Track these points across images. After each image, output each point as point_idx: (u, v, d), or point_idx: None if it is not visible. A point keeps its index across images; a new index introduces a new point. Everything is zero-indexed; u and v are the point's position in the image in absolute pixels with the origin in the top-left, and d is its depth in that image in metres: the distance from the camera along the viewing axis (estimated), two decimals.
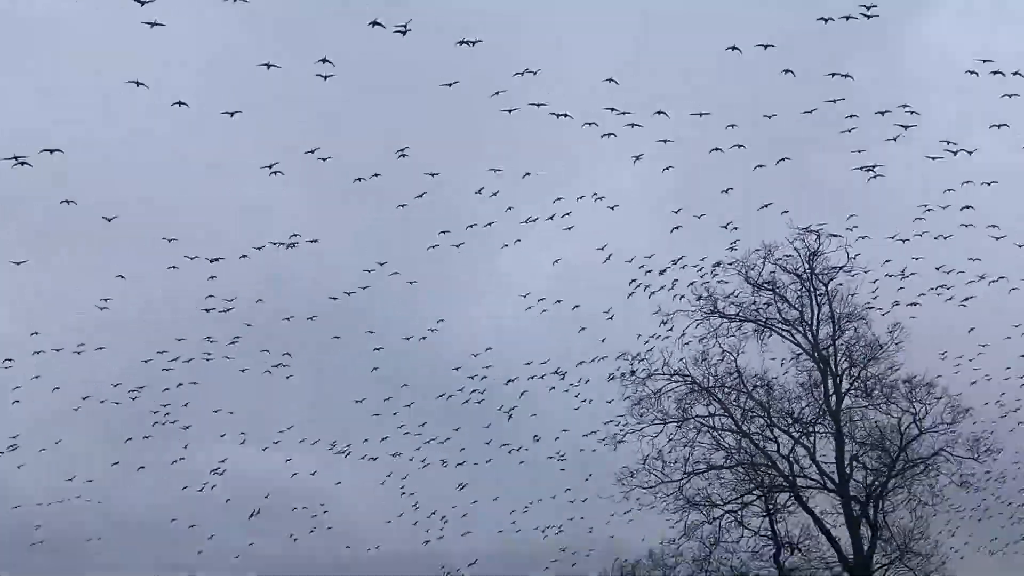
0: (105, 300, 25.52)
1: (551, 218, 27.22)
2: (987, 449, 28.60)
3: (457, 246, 27.18)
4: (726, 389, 29.67)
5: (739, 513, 28.79)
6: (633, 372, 29.56)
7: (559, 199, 26.53)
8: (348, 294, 27.61)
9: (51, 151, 20.18)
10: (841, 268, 29.40)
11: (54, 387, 28.05)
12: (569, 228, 27.54)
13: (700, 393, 29.55)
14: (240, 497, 31.98)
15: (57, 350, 26.83)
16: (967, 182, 25.08)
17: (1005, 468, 29.91)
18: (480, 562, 31.71)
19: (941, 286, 28.23)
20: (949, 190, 25.51)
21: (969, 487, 28.86)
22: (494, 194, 25.29)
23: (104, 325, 27.71)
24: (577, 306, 29.38)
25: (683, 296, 29.75)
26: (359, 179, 24.25)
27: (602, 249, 28.38)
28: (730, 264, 29.60)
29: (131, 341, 29.19)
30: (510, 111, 22.18)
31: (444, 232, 26.77)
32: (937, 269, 28.08)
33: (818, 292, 29.80)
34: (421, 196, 25.13)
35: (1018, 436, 30.15)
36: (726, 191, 26.93)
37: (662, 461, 29.00)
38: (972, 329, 29.49)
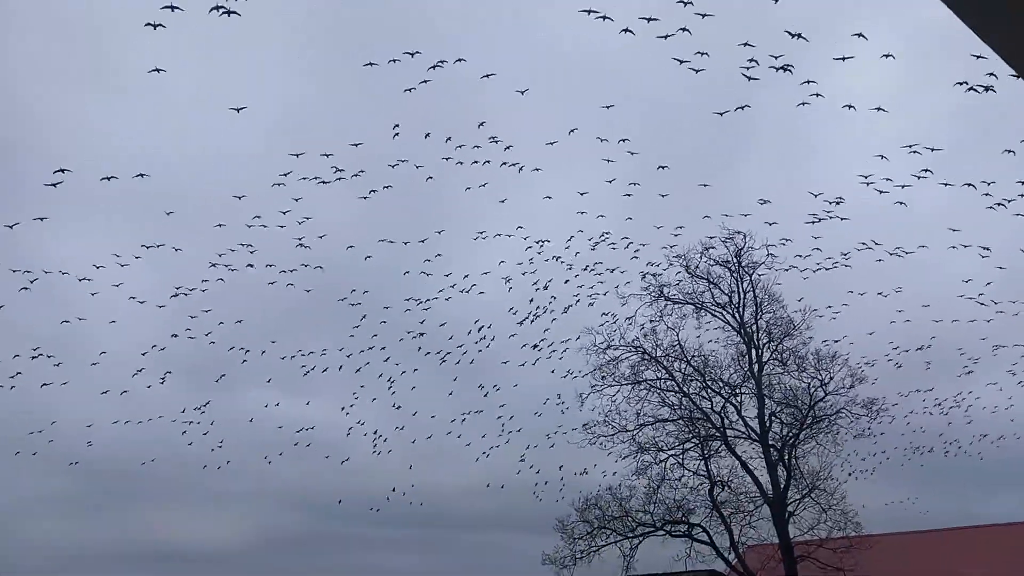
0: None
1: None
2: (878, 409, 34.82)
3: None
4: (670, 358, 35.40)
5: (680, 457, 34.27)
6: (596, 344, 35.91)
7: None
8: None
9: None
10: (761, 263, 35.48)
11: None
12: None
13: (649, 361, 35.24)
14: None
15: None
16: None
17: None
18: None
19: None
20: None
21: (863, 437, 34.96)
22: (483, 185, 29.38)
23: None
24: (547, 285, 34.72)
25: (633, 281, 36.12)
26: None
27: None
28: (675, 257, 36.31)
29: None
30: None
31: None
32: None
33: (744, 282, 35.78)
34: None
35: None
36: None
37: (619, 415, 35.27)
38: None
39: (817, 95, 22.93)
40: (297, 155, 25.90)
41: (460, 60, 23.01)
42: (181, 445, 34.54)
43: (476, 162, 27.66)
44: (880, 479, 36.21)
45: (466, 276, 32.74)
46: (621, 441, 34.52)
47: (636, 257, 33.79)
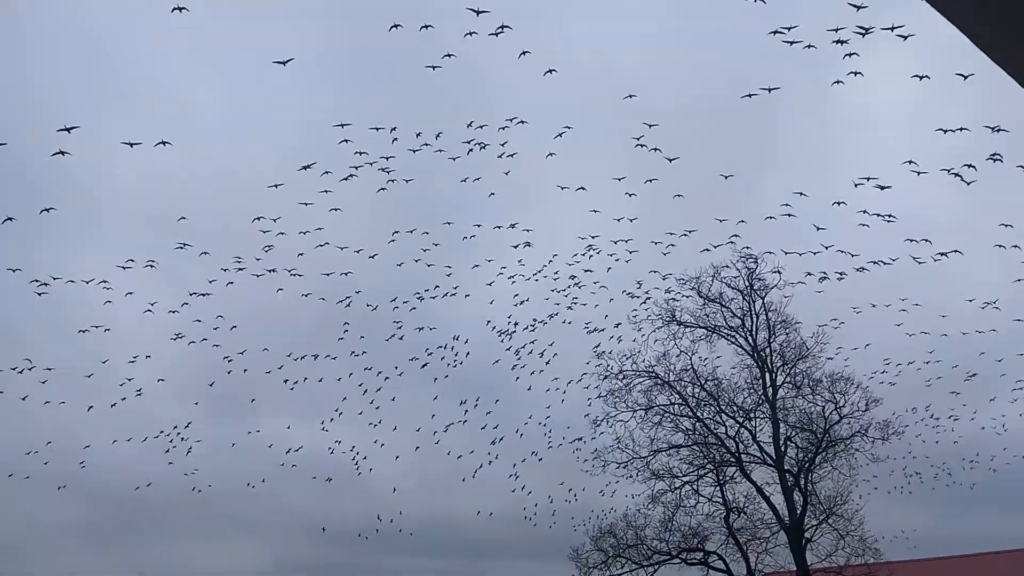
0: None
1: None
2: (894, 432, 34.49)
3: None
4: (683, 383, 35.11)
5: (695, 483, 33.89)
6: (608, 369, 35.70)
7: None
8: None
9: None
10: (774, 286, 35.48)
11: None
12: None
13: (662, 386, 35.00)
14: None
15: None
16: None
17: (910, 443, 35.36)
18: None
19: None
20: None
21: (879, 461, 34.21)
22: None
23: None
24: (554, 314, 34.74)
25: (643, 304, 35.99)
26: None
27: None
28: (687, 281, 36.12)
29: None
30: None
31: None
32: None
33: (756, 304, 35.69)
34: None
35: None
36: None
37: (632, 441, 35.07)
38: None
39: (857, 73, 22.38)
40: (307, 167, 26.13)
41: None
42: (192, 469, 34.50)
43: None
44: (901, 504, 35.65)
45: (491, 302, 32.89)
46: (635, 468, 34.19)
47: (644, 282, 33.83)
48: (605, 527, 33.85)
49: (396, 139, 26.13)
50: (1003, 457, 36.47)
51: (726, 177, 28.60)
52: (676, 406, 35.08)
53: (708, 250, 32.59)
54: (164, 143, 23.52)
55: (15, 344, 36.15)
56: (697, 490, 34.05)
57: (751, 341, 35.48)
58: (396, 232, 29.95)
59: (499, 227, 31.19)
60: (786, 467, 33.46)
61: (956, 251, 28.62)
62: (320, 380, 33.94)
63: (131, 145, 22.88)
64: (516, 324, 33.86)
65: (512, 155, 27.23)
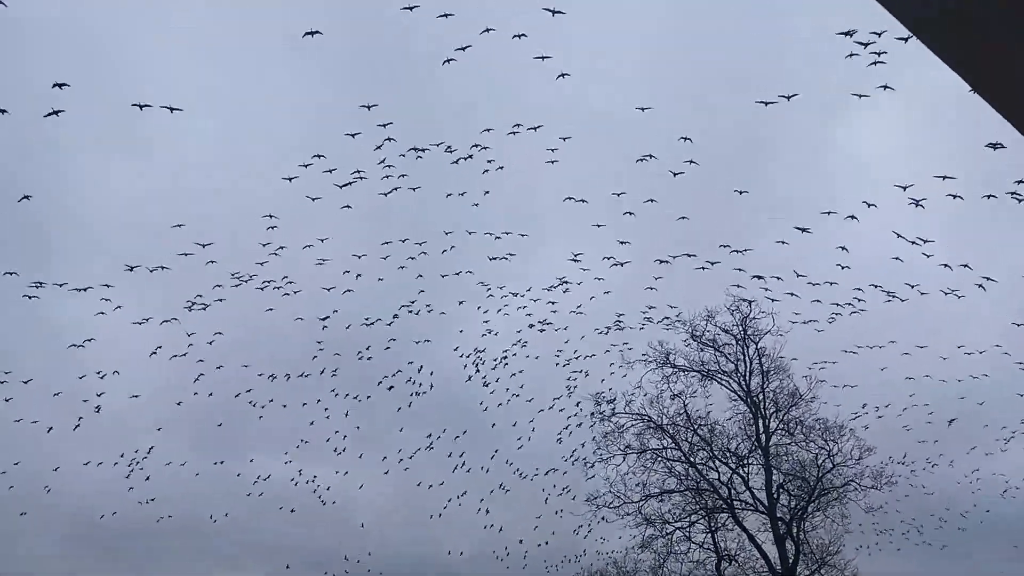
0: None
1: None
2: (887, 481, 34.25)
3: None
4: (676, 427, 34.88)
5: (687, 530, 33.42)
6: (601, 411, 35.51)
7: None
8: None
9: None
10: (767, 331, 35.50)
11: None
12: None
13: (655, 430, 34.78)
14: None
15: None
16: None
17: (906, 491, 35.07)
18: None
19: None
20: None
21: (873, 512, 34.01)
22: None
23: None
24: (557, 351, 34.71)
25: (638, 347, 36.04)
26: None
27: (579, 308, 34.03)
28: (680, 324, 36.24)
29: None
30: None
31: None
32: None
33: (750, 349, 35.72)
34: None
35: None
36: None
37: (624, 485, 34.71)
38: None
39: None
40: (306, 165, 26.23)
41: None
42: (190, 504, 34.04)
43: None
44: (891, 549, 35.22)
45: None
46: (626, 512, 33.81)
47: (642, 323, 33.80)
48: (595, 572, 33.37)
49: (390, 138, 25.58)
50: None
51: (740, 192, 28.20)
52: (669, 450, 34.84)
53: (704, 268, 32.10)
54: (173, 109, 23.19)
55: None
56: (689, 536, 33.70)
57: (744, 386, 35.45)
58: (386, 243, 29.69)
59: (491, 234, 30.73)
60: (778, 515, 33.23)
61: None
62: (284, 406, 33.60)
63: (140, 107, 22.60)
64: (480, 357, 33.66)
65: (500, 168, 27.18)
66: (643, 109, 21.57)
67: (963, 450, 35.95)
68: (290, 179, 26.71)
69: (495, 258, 30.49)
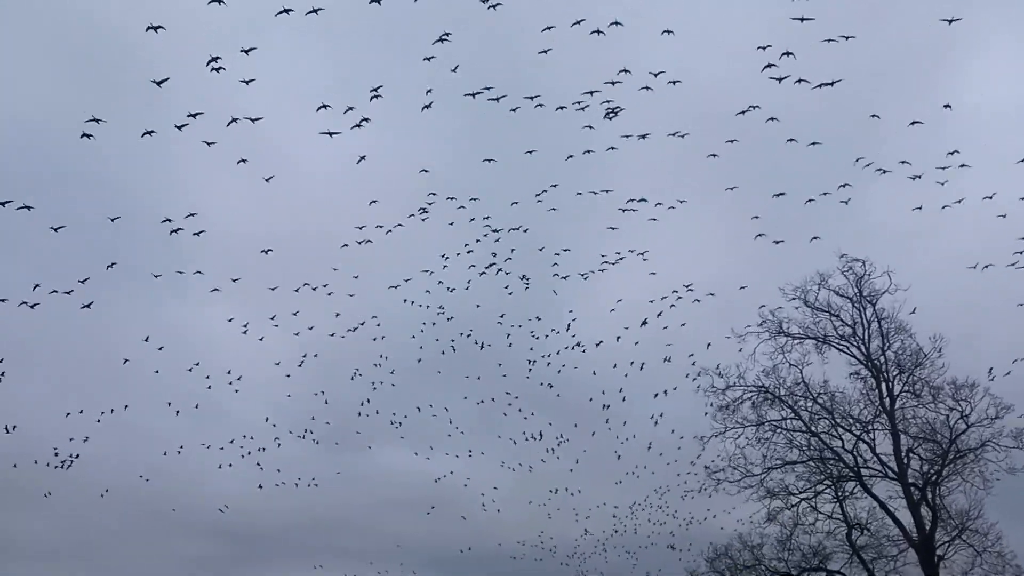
0: None
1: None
2: None
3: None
4: (795, 396, 33.97)
5: (813, 500, 32.83)
6: (714, 386, 34.88)
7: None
8: None
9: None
10: (885, 291, 34.04)
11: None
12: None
13: (773, 401, 34.02)
14: None
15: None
16: None
17: None
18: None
19: None
20: None
21: (1016, 472, 32.15)
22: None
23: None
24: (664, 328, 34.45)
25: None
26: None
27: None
28: (792, 290, 35.12)
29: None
30: None
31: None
32: None
33: (867, 312, 34.20)
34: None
35: None
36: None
37: (744, 458, 34.11)
38: None
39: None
40: None
41: None
42: (312, 505, 35.87)
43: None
44: None
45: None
46: (748, 486, 33.30)
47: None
48: (720, 548, 33.14)
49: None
50: None
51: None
52: (788, 420, 33.95)
53: (818, 238, 31.16)
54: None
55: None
56: (815, 507, 32.97)
57: (864, 350, 34.07)
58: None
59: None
60: (910, 480, 31.90)
61: None
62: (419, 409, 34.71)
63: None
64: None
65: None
66: None
67: None
68: None
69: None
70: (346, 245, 30.55)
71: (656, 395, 35.63)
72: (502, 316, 33.26)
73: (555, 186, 30.79)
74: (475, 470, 35.73)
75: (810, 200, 30.48)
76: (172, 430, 33.55)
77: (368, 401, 34.24)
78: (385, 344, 34.06)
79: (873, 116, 27.33)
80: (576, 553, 37.85)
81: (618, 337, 33.72)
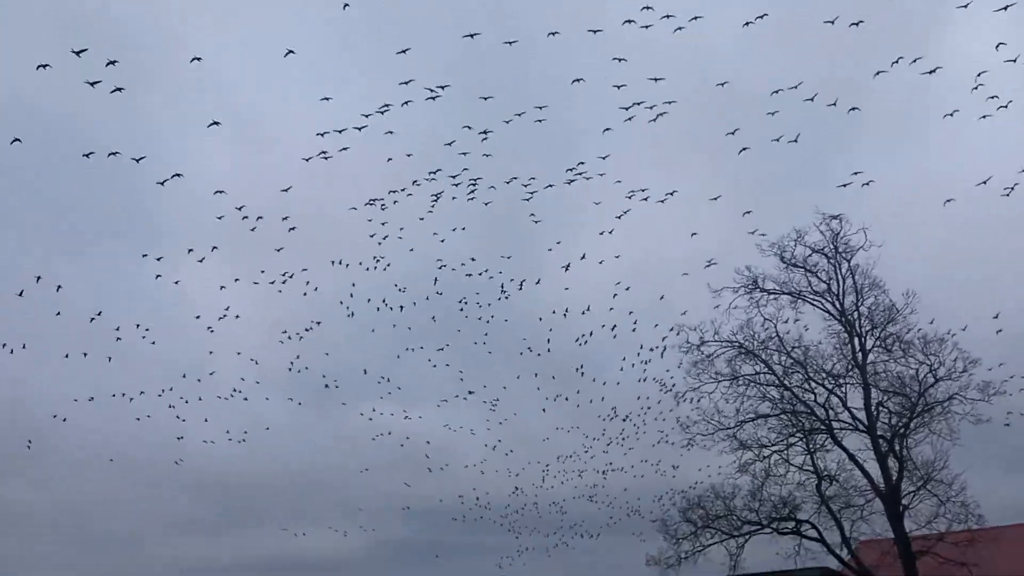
0: None
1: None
2: (995, 392, 32.44)
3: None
4: (769, 351, 34.42)
5: (785, 452, 33.53)
6: (689, 341, 35.24)
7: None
8: None
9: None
10: (860, 248, 34.06)
11: None
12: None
13: (747, 355, 34.43)
14: None
15: None
16: None
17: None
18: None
19: None
20: None
21: (981, 423, 32.63)
22: None
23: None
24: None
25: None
26: None
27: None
28: (768, 247, 35.26)
29: None
30: None
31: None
32: None
33: (842, 268, 34.33)
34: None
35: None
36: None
37: (718, 412, 34.65)
38: None
39: None
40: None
41: None
42: (295, 460, 36.02)
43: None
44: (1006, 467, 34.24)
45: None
46: (721, 439, 33.91)
47: None
48: (693, 499, 33.81)
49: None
50: None
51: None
52: (762, 375, 34.45)
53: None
54: None
55: None
56: (787, 459, 33.71)
57: (838, 305, 34.44)
58: None
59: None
60: (879, 433, 32.54)
61: None
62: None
63: None
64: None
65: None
66: None
67: None
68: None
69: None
70: None
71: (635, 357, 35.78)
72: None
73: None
74: (455, 426, 35.92)
75: None
76: (156, 389, 33.15)
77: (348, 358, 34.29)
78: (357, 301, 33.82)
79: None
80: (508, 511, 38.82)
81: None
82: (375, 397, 37.19)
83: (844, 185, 32.39)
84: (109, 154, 25.05)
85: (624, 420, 35.93)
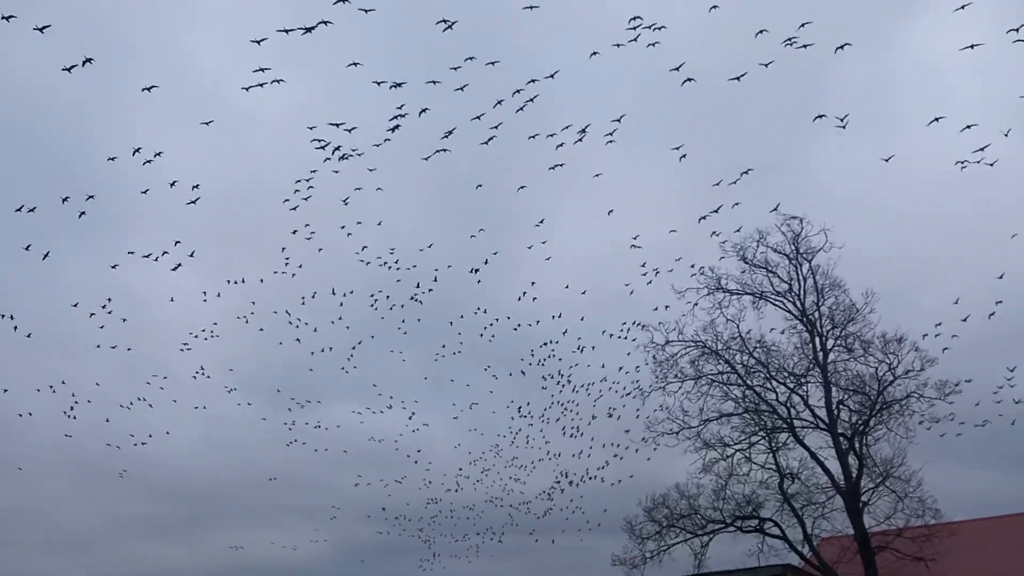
0: None
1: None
2: (951, 391, 33.01)
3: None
4: (732, 351, 34.88)
5: (747, 451, 33.86)
6: (654, 341, 35.60)
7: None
8: None
9: None
10: (820, 249, 34.67)
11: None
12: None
13: (710, 355, 34.89)
14: None
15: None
16: None
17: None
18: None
19: None
20: None
21: (937, 422, 33.06)
22: None
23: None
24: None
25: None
26: None
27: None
28: (731, 247, 35.63)
29: None
30: None
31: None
32: None
33: (803, 268, 34.87)
34: None
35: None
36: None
37: (682, 411, 34.96)
38: None
39: None
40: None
41: None
42: (259, 462, 35.87)
43: None
44: (968, 464, 34.77)
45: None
46: (685, 438, 34.21)
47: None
48: (658, 498, 34.03)
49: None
50: None
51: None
52: (725, 375, 34.82)
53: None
54: None
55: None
56: (750, 457, 34.04)
57: (799, 305, 34.96)
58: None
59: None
60: (840, 431, 33.02)
61: None
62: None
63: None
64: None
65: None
66: None
67: None
68: None
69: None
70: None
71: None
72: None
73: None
74: (428, 424, 35.94)
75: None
76: (119, 389, 32.87)
77: (323, 351, 34.27)
78: (333, 299, 33.81)
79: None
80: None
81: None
82: (341, 398, 37.08)
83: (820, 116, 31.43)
84: None
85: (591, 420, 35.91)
